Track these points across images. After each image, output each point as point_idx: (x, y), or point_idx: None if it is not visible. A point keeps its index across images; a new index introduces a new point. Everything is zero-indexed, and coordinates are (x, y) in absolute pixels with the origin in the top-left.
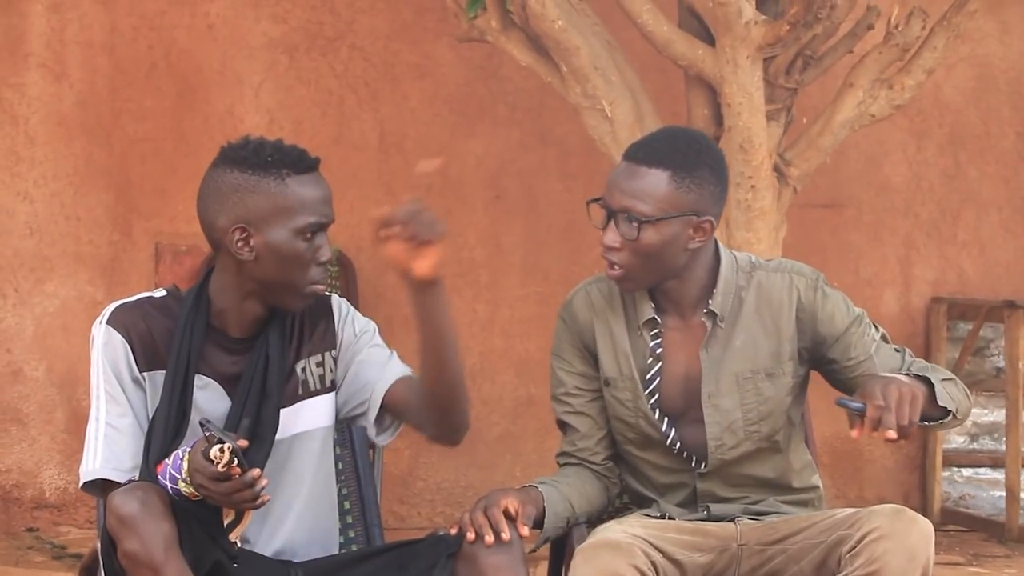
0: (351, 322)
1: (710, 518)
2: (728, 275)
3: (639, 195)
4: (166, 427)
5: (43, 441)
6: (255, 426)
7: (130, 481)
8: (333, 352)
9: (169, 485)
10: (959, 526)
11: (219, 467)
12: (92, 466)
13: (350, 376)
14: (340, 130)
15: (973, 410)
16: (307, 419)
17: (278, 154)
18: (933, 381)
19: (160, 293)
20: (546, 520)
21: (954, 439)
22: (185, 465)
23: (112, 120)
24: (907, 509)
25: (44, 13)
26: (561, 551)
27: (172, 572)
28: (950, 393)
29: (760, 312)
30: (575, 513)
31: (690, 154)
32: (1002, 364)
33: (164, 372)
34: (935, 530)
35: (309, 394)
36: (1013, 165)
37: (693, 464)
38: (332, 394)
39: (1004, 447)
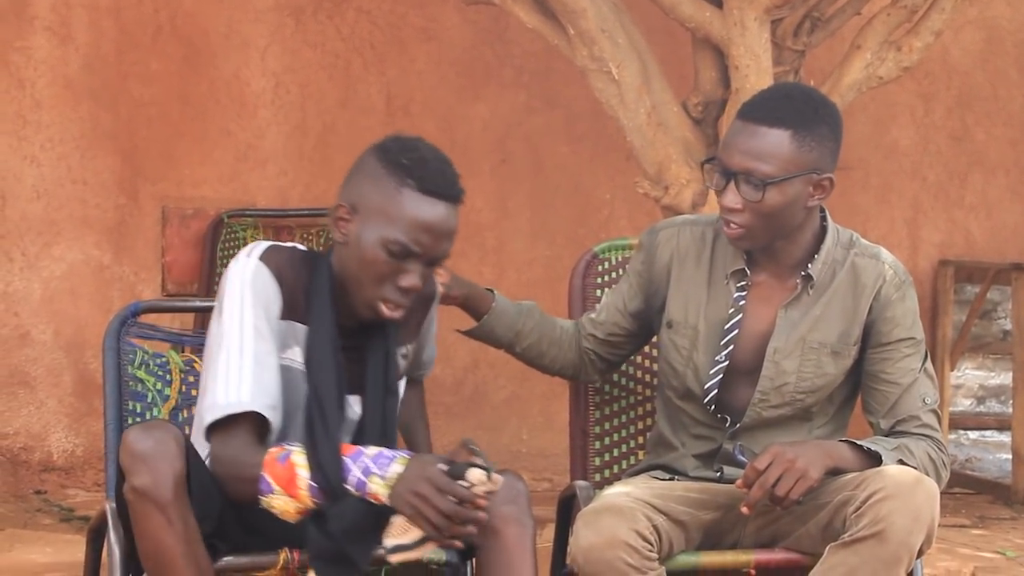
0: (433, 318)
1: (722, 479)
2: (831, 245)
3: (762, 156)
4: (338, 396)
5: (51, 404)
6: (383, 424)
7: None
8: (414, 344)
9: (355, 474)
10: (965, 489)
11: (477, 491)
12: (238, 397)
13: (413, 364)
14: (346, 93)
15: (977, 373)
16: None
17: (417, 165)
18: (885, 460)
19: (302, 247)
20: (484, 318)
21: (960, 402)
22: (396, 470)
23: (118, 84)
24: (913, 470)
25: None
26: (567, 514)
27: (176, 512)
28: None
29: (846, 291)
30: (522, 328)
31: (808, 111)
32: (1009, 327)
33: (303, 326)
34: (944, 492)
35: (398, 377)
36: (1021, 128)
37: (727, 424)
38: (405, 378)
39: (1011, 410)
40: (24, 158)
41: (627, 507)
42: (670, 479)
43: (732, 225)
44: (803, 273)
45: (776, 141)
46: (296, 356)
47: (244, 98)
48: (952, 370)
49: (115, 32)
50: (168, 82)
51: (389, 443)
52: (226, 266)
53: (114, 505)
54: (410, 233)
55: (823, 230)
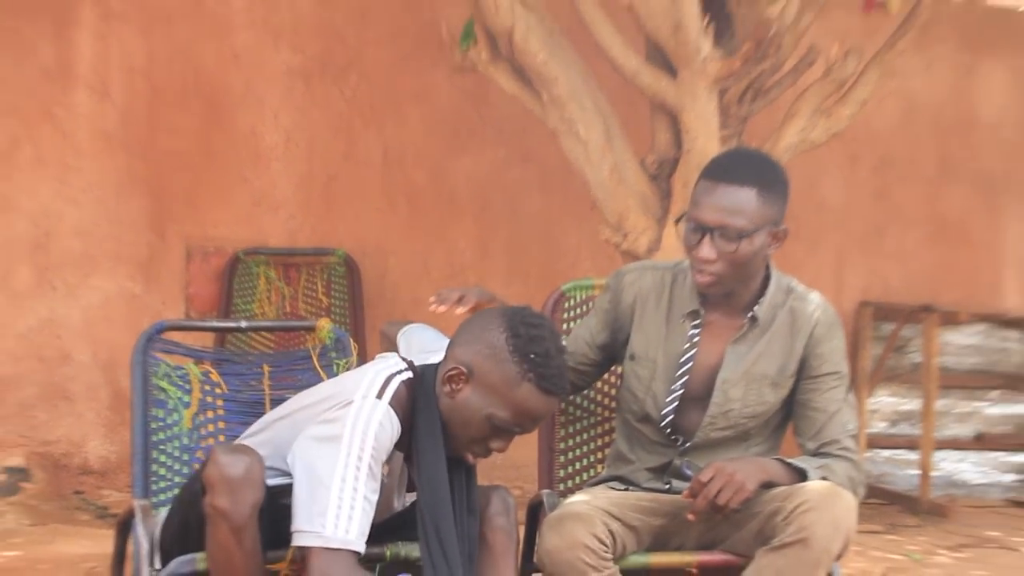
0: None
1: (670, 491)
2: (774, 290)
3: (735, 212)
4: (441, 523)
5: (88, 416)
6: (469, 539)
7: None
8: None
9: None
10: (879, 500)
11: None
12: (344, 535)
13: None
14: (348, 148)
15: (891, 399)
16: None
17: (542, 361)
18: (810, 477)
19: (407, 373)
20: None
21: (876, 425)
22: None
23: (149, 136)
24: (834, 485)
25: (90, 41)
26: (535, 518)
27: (248, 533)
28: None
29: (785, 331)
30: None
31: (768, 172)
32: (919, 360)
33: (399, 453)
34: (860, 503)
35: None
36: (934, 187)
37: (678, 443)
38: None
39: (920, 432)
40: (66, 200)
41: (586, 514)
42: (625, 489)
43: (706, 274)
44: (750, 314)
45: (746, 198)
46: (383, 475)
47: (259, 151)
48: (869, 397)
49: (147, 91)
50: (193, 135)
51: (469, 554)
52: (244, 301)
53: (142, 502)
54: (518, 419)
55: (767, 277)
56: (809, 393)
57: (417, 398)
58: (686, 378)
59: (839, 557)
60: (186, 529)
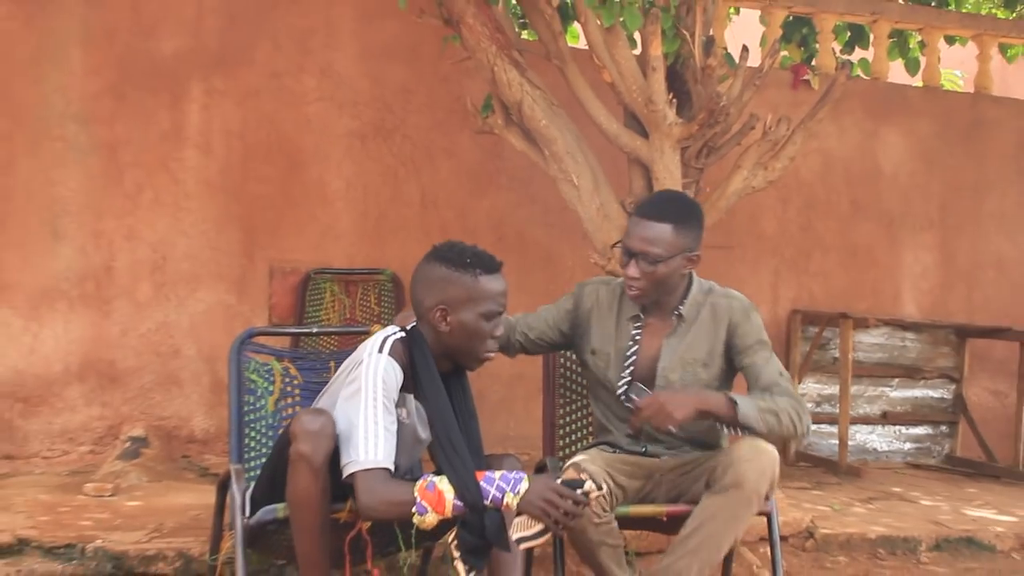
0: None
1: (646, 454)
2: (696, 293)
3: (653, 242)
4: (458, 432)
5: (194, 398)
6: (474, 437)
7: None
8: None
9: (491, 490)
10: (807, 463)
11: (591, 499)
12: (375, 456)
13: None
14: (394, 192)
15: (816, 385)
16: None
17: (475, 258)
18: (740, 407)
19: (401, 334)
20: None
21: (805, 404)
22: (524, 486)
23: (242, 183)
24: (761, 442)
25: (198, 111)
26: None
27: (322, 474)
28: (763, 419)
29: (708, 322)
30: None
31: (684, 211)
32: (837, 355)
33: (410, 395)
34: (791, 465)
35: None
36: (847, 222)
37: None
38: None
39: (838, 411)
40: (178, 232)
41: (595, 472)
42: (613, 451)
43: (633, 289)
44: (676, 313)
45: (662, 232)
46: (403, 416)
47: (325, 194)
48: (800, 383)
49: (241, 148)
50: (275, 183)
51: (476, 449)
52: (314, 309)
53: (236, 467)
54: (496, 300)
55: (689, 284)
56: (744, 359)
57: (412, 348)
58: (632, 368)
59: (768, 498)
60: (272, 484)
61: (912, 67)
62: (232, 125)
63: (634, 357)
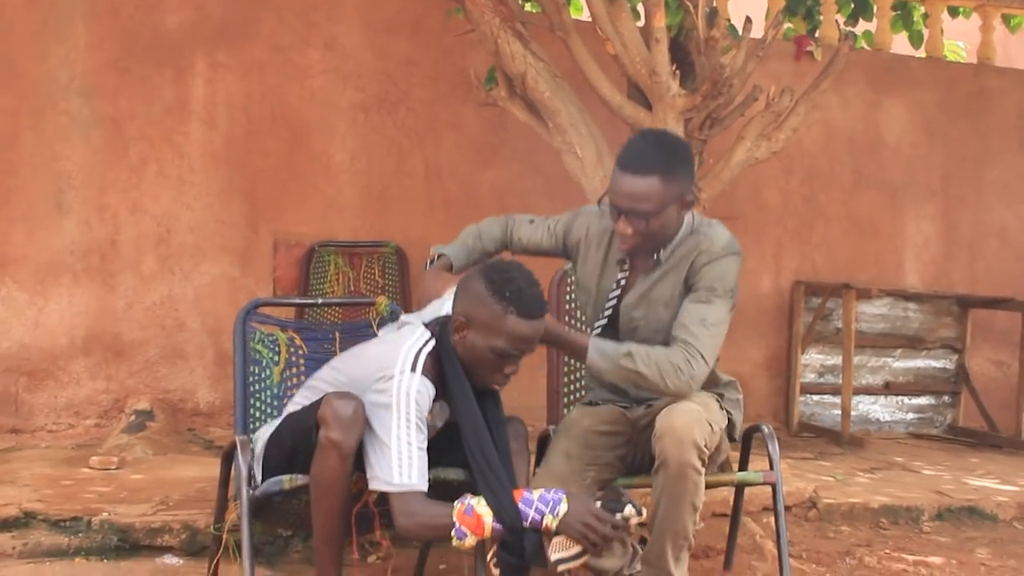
0: None
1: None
2: (682, 235)
3: (641, 198)
4: (486, 450)
5: (199, 371)
6: (504, 447)
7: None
8: None
9: (530, 512)
10: (810, 434)
11: (630, 523)
12: (409, 479)
13: None
14: (398, 164)
15: (819, 356)
16: None
17: (515, 295)
18: (591, 358)
19: (431, 341)
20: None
21: (808, 375)
22: (563, 508)
23: (246, 156)
24: (676, 407)
25: (202, 85)
26: (544, 445)
27: (349, 460)
28: (620, 375)
29: (679, 264)
30: (479, 248)
31: (670, 157)
32: (840, 326)
33: (442, 403)
34: (794, 436)
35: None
36: (849, 192)
37: None
38: None
39: (841, 381)
40: (182, 205)
41: (567, 475)
42: (595, 404)
43: (625, 242)
44: (656, 256)
45: (650, 186)
46: (429, 419)
47: (329, 166)
48: (803, 354)
49: (244, 121)
50: (279, 155)
51: (505, 456)
52: (318, 281)
53: (241, 437)
54: (514, 344)
55: (680, 228)
56: (685, 302)
57: (442, 357)
58: (610, 311)
59: (704, 459)
60: (294, 454)
61: (915, 39)
62: (236, 98)
63: (614, 302)
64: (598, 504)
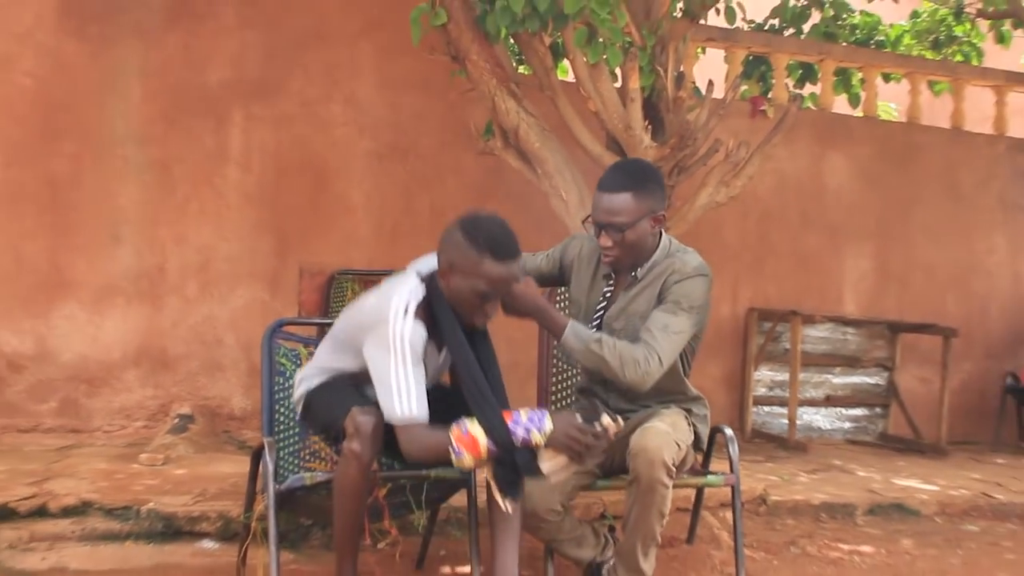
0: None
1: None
2: (658, 257)
3: (617, 212)
4: (483, 376)
5: (233, 381)
6: (493, 372)
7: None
8: None
9: (519, 431)
10: (761, 440)
11: (609, 431)
12: (413, 412)
13: None
14: (407, 204)
15: (769, 373)
16: None
17: (488, 240)
18: (566, 340)
19: (422, 287)
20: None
21: (760, 390)
22: (549, 425)
23: (276, 195)
24: (651, 428)
25: (239, 134)
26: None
27: (367, 471)
28: (587, 357)
29: (653, 282)
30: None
31: (640, 176)
32: (788, 347)
33: (435, 344)
34: (748, 441)
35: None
36: (797, 232)
37: None
38: None
39: (788, 394)
40: (220, 238)
41: (550, 484)
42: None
43: (607, 256)
44: (633, 274)
45: (623, 201)
46: (431, 362)
47: (348, 205)
48: (755, 371)
49: (275, 165)
50: (305, 195)
51: (499, 391)
52: (338, 305)
53: (268, 439)
54: (491, 285)
55: (656, 249)
56: (654, 311)
57: (433, 303)
58: (599, 321)
59: (672, 475)
60: (327, 430)
61: (854, 100)
62: (268, 146)
63: (602, 313)
64: (579, 418)
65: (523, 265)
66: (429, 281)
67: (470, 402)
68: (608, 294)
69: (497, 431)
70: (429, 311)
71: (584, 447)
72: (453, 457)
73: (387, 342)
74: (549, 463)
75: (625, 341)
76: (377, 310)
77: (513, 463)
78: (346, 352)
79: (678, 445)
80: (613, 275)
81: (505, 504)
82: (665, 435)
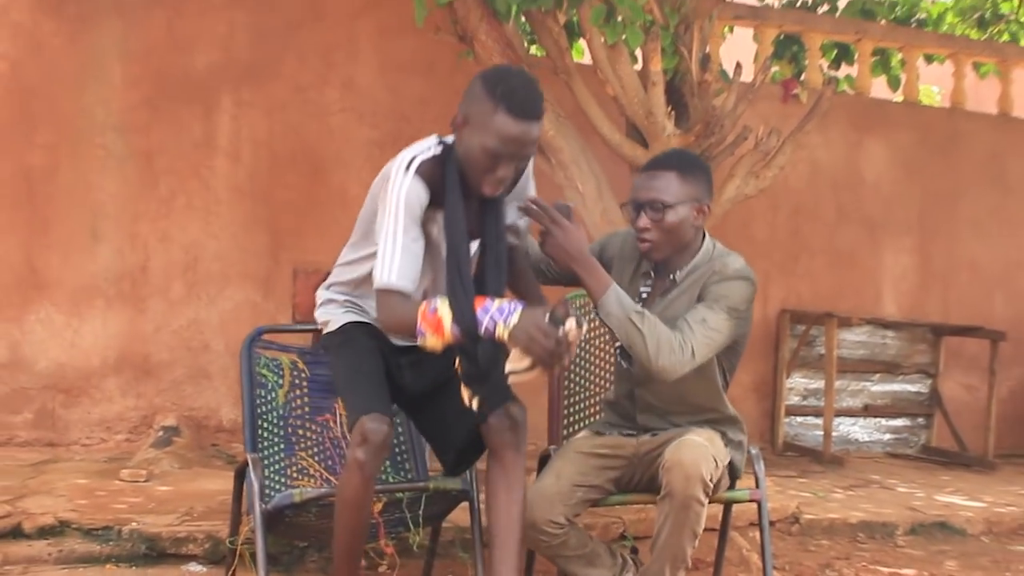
0: (529, 181)
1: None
2: (699, 260)
3: (659, 189)
4: (467, 254)
5: (222, 390)
6: (494, 248)
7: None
8: (516, 201)
9: (485, 320)
10: (794, 453)
11: (568, 335)
12: (389, 278)
13: (515, 192)
14: None
15: (803, 380)
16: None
17: (507, 93)
18: (606, 301)
19: (438, 148)
20: None
21: (792, 398)
22: (515, 319)
23: (268, 189)
24: (686, 442)
25: (228, 122)
26: (544, 462)
27: (371, 480)
28: (623, 328)
29: (693, 285)
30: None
31: (687, 161)
32: (823, 352)
33: (440, 211)
34: (779, 455)
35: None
36: (832, 227)
37: (630, 366)
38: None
39: (823, 403)
40: (208, 235)
41: (550, 495)
42: (605, 435)
43: (645, 242)
44: (672, 277)
45: (668, 179)
46: (433, 232)
47: (346, 199)
48: (788, 378)
49: (268, 156)
50: (299, 188)
51: (499, 271)
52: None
53: (252, 455)
54: (502, 143)
55: (698, 251)
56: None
57: (446, 164)
58: None
59: (708, 492)
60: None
61: (893, 83)
62: (260, 135)
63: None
64: (546, 318)
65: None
66: (448, 145)
67: (447, 280)
68: (645, 295)
69: (463, 316)
70: (440, 173)
71: (543, 350)
72: (418, 337)
73: (386, 200)
74: (512, 365)
75: (676, 330)
76: (386, 169)
77: (475, 355)
78: (365, 241)
79: (715, 462)
80: (652, 275)
81: (472, 404)
82: (703, 448)
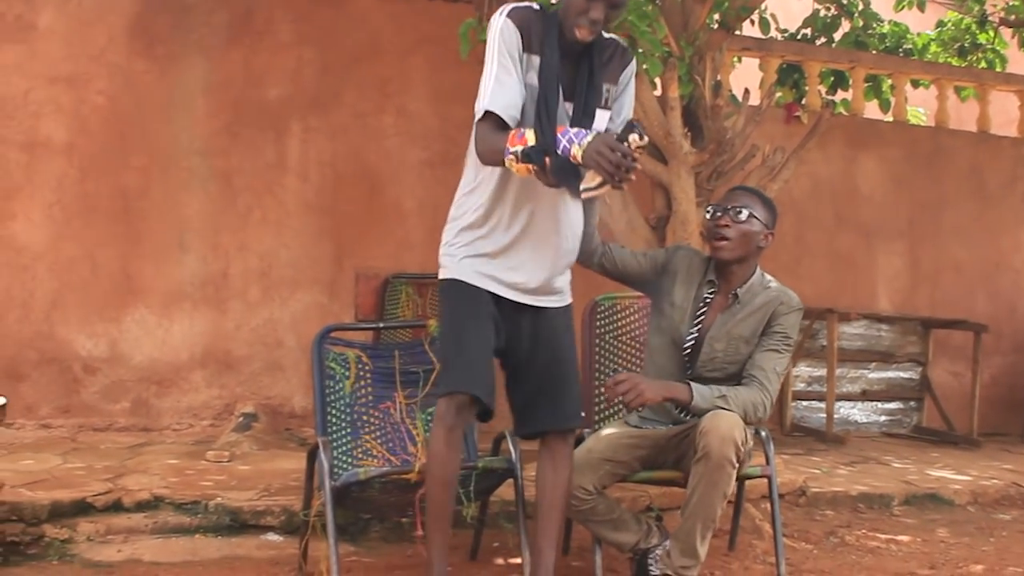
0: (630, 82)
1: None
2: (754, 282)
3: (744, 203)
4: (557, 96)
5: (294, 381)
6: (584, 112)
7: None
8: (615, 87)
9: (563, 142)
10: (800, 433)
11: (632, 146)
12: (483, 104)
13: (616, 106)
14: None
15: (808, 369)
16: (599, 122)
17: None
18: (695, 399)
19: (537, 4)
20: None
21: (798, 384)
22: (588, 139)
23: (333, 203)
24: (723, 412)
25: (297, 145)
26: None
27: (457, 441)
28: (714, 407)
29: (759, 307)
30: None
31: (765, 196)
32: (825, 343)
33: (538, 57)
34: (787, 435)
35: (602, 106)
36: (831, 233)
37: (688, 370)
38: (608, 112)
39: (826, 389)
40: (281, 245)
41: (581, 465)
42: (635, 428)
43: (721, 239)
44: (733, 293)
45: (751, 198)
46: (532, 79)
47: (401, 212)
48: (794, 367)
49: (332, 175)
50: (360, 202)
51: (589, 112)
52: (392, 308)
53: (323, 438)
54: None
55: (753, 272)
56: (761, 343)
57: (544, 17)
58: (700, 326)
59: (741, 460)
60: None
61: (884, 105)
62: (325, 156)
63: (703, 317)
64: (613, 135)
65: (609, 249)
66: (545, 7)
67: (535, 112)
68: (708, 299)
69: (546, 136)
70: (536, 21)
71: (610, 164)
72: (504, 159)
73: (487, 43)
74: (585, 183)
75: (741, 388)
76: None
77: (556, 168)
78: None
79: (745, 432)
80: (715, 289)
81: (517, 167)
82: (736, 419)
